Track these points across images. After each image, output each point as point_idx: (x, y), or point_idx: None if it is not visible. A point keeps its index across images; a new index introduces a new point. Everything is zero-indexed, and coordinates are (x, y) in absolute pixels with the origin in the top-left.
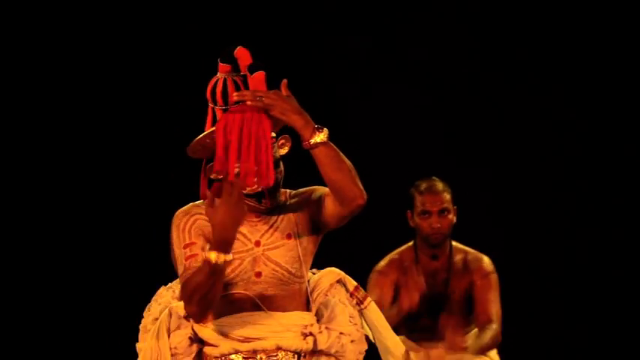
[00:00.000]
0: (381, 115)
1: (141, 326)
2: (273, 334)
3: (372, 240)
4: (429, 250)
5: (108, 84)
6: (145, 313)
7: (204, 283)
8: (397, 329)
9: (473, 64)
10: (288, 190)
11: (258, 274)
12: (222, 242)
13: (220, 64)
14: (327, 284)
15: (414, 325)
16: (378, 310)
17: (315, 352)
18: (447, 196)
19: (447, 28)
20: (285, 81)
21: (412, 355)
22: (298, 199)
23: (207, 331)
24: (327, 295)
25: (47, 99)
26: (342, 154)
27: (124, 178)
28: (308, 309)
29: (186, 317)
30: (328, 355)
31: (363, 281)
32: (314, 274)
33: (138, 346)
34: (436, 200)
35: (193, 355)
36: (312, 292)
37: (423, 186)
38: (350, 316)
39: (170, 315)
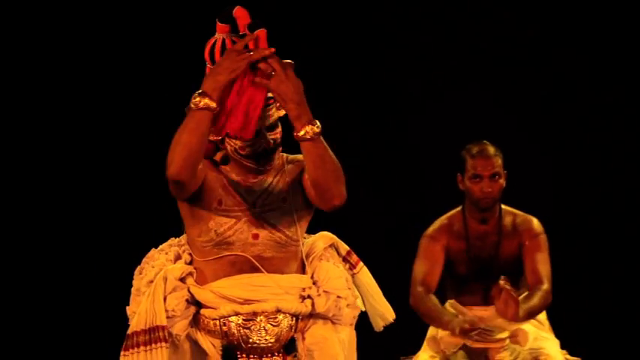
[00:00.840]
0: (434, 76)
1: (133, 289)
2: (273, 297)
3: (422, 202)
4: (479, 214)
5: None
6: (136, 276)
7: (186, 130)
8: (446, 293)
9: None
10: (285, 154)
11: (256, 236)
12: (213, 83)
13: (219, 24)
14: (321, 248)
15: (463, 289)
16: (370, 274)
17: (312, 314)
18: (499, 161)
19: None
20: (292, 65)
21: (461, 317)
22: (293, 166)
23: (205, 292)
24: (321, 259)
25: (36, 93)
26: (330, 152)
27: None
28: (303, 272)
29: (182, 280)
30: (325, 318)
31: (412, 246)
32: (305, 238)
33: (129, 309)
34: (488, 164)
35: (190, 317)
36: (306, 256)
37: (475, 150)
38: (345, 280)
39: (165, 278)
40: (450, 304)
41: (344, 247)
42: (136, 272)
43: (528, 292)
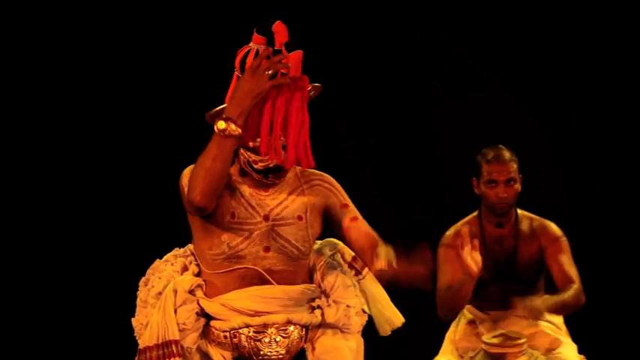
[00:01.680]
0: (454, 79)
1: (138, 300)
2: (284, 308)
3: (438, 207)
4: (495, 218)
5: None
6: (141, 287)
7: (210, 157)
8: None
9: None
10: (297, 167)
11: (267, 249)
12: (237, 108)
13: (255, 35)
14: (327, 255)
15: (481, 294)
16: (376, 280)
17: (321, 324)
18: (514, 166)
19: None
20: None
21: (478, 324)
22: (311, 187)
23: (215, 305)
24: (329, 268)
25: (40, 101)
26: None
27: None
28: (311, 280)
29: (192, 292)
30: (334, 327)
31: (431, 249)
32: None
33: (134, 320)
34: (503, 170)
35: (200, 330)
36: (314, 264)
37: (491, 155)
38: (354, 288)
39: (175, 290)
40: (468, 310)
41: (349, 253)
42: (141, 283)
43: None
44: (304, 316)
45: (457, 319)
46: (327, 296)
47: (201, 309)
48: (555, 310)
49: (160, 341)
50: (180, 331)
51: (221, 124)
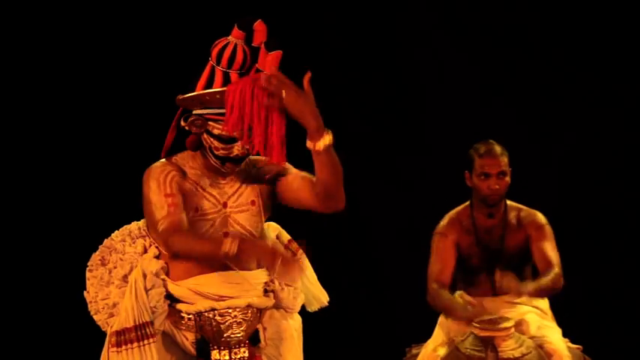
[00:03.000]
0: (445, 79)
1: (92, 277)
2: (245, 293)
3: (432, 197)
4: (486, 209)
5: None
6: (97, 265)
7: (202, 254)
8: (456, 284)
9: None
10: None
11: (226, 235)
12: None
13: (235, 29)
14: (272, 238)
15: (472, 281)
16: (307, 260)
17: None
18: (505, 159)
19: None
20: (308, 75)
21: (470, 308)
22: (259, 171)
23: (182, 289)
24: None
25: (29, 102)
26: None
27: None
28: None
29: (157, 274)
30: (279, 308)
31: (424, 237)
32: None
33: (88, 295)
34: (495, 163)
35: (166, 312)
36: None
37: (483, 149)
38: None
39: (144, 274)
40: (459, 295)
41: (286, 236)
42: (95, 261)
43: (540, 275)
44: (262, 301)
45: None
46: (279, 280)
47: (168, 292)
48: (535, 293)
49: (138, 323)
50: (152, 313)
51: (232, 245)
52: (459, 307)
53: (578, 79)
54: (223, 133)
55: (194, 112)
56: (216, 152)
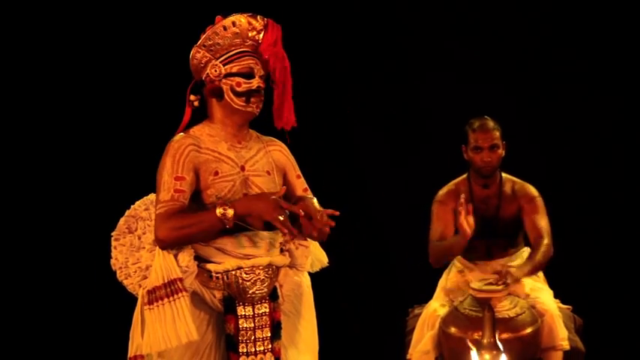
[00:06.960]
0: (444, 63)
1: (118, 244)
2: (267, 252)
3: (432, 169)
4: (481, 180)
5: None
6: (124, 233)
7: (200, 229)
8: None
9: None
10: (253, 132)
11: (246, 196)
12: (245, 211)
13: (219, 18)
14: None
15: (469, 247)
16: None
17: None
18: (497, 134)
19: None
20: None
21: (467, 272)
22: (271, 151)
23: (209, 249)
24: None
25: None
26: None
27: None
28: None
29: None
30: (292, 267)
31: (426, 205)
32: None
33: (116, 261)
34: (487, 137)
35: (196, 272)
36: None
37: (476, 124)
38: None
39: None
40: (458, 260)
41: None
42: (121, 228)
43: (531, 249)
44: (281, 258)
45: (448, 269)
46: (293, 240)
47: (195, 252)
48: (530, 273)
49: (167, 280)
50: (183, 272)
51: (226, 210)
52: (453, 239)
53: (571, 60)
54: (243, 68)
55: (214, 61)
56: (238, 89)
